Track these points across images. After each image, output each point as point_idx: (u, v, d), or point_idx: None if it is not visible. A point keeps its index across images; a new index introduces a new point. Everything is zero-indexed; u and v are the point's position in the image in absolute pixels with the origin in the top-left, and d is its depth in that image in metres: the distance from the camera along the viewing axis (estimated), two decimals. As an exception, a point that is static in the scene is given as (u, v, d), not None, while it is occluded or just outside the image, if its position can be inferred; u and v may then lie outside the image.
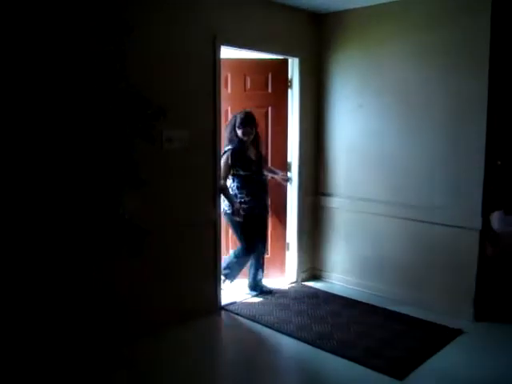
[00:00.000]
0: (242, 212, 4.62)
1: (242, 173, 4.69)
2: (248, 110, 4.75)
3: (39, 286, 3.15)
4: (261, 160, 4.86)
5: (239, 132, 4.65)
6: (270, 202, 4.97)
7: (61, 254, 3.19)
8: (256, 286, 4.94)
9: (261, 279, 4.98)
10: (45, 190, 3.09)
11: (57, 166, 3.02)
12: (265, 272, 5.03)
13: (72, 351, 3.29)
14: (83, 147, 2.97)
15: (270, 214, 5.05)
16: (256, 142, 4.81)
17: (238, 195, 4.71)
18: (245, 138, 4.67)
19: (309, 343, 3.88)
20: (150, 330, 3.89)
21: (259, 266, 4.95)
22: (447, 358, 3.67)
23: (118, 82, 2.81)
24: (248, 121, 4.65)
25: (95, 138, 2.88)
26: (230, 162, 4.63)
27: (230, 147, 4.67)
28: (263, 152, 4.96)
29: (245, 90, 5.07)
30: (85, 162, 3.03)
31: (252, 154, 4.78)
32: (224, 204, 4.67)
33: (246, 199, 4.71)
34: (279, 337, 4.03)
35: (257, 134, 4.79)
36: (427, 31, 4.41)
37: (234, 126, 4.67)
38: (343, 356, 3.66)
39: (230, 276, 4.86)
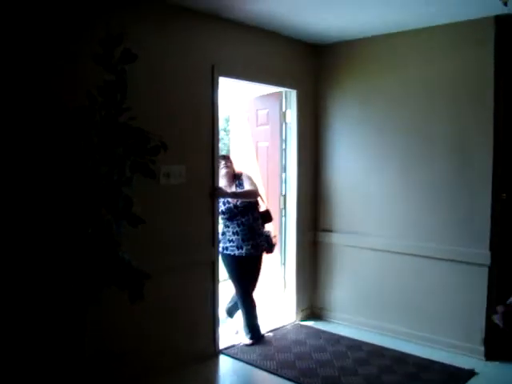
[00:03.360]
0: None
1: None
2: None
3: (32, 331, 2.90)
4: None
5: None
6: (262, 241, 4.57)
7: (57, 299, 2.96)
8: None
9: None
10: (39, 233, 2.88)
11: (48, 207, 2.81)
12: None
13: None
14: (79, 183, 2.76)
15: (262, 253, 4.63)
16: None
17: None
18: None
19: (315, 389, 3.65)
20: (143, 377, 3.61)
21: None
22: (465, 404, 3.48)
23: (119, 114, 2.63)
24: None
25: (93, 173, 2.68)
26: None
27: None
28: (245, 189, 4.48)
29: (256, 126, 5.28)
30: (79, 200, 2.82)
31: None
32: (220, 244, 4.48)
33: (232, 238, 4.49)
34: (283, 383, 3.79)
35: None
36: (429, 63, 4.33)
37: None
38: (354, 403, 3.44)
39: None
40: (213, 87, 4.04)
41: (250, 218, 4.47)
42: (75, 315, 2.81)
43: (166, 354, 3.82)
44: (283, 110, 5.03)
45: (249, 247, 4.44)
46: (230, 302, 4.77)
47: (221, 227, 4.49)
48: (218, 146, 4.14)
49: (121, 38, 2.55)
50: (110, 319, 3.33)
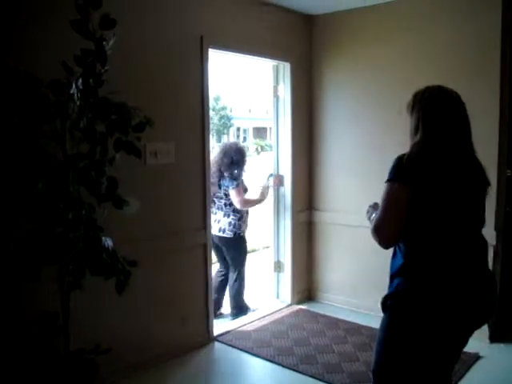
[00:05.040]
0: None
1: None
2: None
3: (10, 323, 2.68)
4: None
5: None
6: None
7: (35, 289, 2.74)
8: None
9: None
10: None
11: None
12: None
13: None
14: (57, 164, 2.51)
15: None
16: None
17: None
18: None
19: (316, 378, 3.47)
20: (135, 369, 3.41)
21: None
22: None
23: (99, 86, 2.37)
24: None
25: (73, 152, 2.44)
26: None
27: None
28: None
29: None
30: (57, 182, 2.57)
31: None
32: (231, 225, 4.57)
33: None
34: (281, 371, 3.62)
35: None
36: (430, 31, 4.08)
37: None
38: (357, 392, 3.28)
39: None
40: (202, 59, 3.77)
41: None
42: (57, 306, 2.59)
43: (158, 343, 3.62)
44: (274, 84, 4.78)
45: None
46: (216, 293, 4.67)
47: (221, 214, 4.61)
48: (208, 123, 3.89)
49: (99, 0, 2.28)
50: (96, 310, 3.11)
